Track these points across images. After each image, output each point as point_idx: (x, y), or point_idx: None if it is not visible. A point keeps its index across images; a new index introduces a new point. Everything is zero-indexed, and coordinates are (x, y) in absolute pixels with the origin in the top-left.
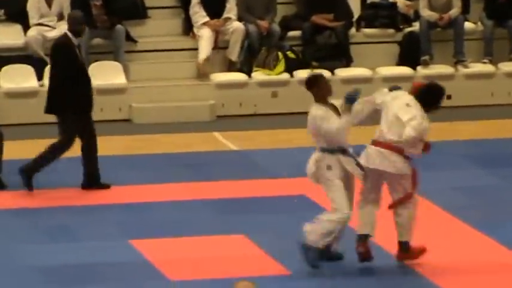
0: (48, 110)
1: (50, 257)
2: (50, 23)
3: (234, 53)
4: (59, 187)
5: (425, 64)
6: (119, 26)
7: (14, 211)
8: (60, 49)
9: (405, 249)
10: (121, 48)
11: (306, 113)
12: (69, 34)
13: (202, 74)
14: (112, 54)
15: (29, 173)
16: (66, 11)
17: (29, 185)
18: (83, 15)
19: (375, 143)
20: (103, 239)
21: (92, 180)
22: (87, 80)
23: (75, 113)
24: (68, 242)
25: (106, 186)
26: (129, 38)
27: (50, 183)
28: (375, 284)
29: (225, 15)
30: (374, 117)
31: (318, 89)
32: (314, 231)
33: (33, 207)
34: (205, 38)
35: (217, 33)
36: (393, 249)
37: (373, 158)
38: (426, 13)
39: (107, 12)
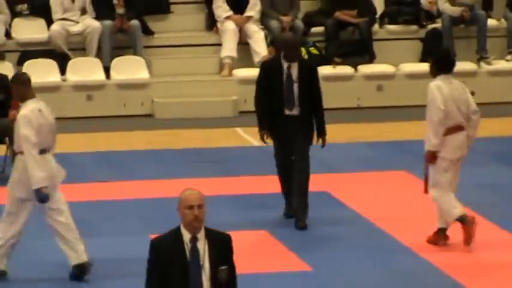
0: None
1: None
2: (73, 18)
3: (256, 54)
4: (79, 182)
5: None
6: (134, 21)
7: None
8: (264, 67)
9: None
10: (138, 43)
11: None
12: (281, 56)
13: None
14: (131, 49)
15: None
16: (89, 5)
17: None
18: (295, 38)
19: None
20: (124, 234)
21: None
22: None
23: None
24: (89, 236)
25: None
26: (146, 31)
27: (70, 178)
28: (397, 282)
29: (247, 13)
30: None
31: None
32: None
33: None
34: (229, 32)
35: (240, 28)
36: (419, 249)
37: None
38: (448, 8)
39: (127, 6)
